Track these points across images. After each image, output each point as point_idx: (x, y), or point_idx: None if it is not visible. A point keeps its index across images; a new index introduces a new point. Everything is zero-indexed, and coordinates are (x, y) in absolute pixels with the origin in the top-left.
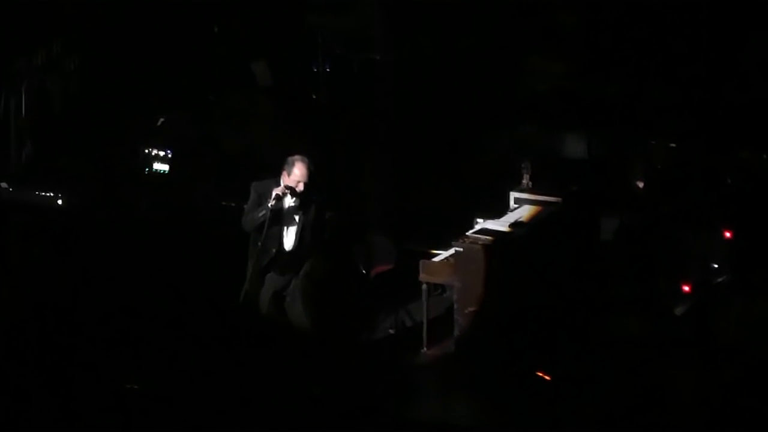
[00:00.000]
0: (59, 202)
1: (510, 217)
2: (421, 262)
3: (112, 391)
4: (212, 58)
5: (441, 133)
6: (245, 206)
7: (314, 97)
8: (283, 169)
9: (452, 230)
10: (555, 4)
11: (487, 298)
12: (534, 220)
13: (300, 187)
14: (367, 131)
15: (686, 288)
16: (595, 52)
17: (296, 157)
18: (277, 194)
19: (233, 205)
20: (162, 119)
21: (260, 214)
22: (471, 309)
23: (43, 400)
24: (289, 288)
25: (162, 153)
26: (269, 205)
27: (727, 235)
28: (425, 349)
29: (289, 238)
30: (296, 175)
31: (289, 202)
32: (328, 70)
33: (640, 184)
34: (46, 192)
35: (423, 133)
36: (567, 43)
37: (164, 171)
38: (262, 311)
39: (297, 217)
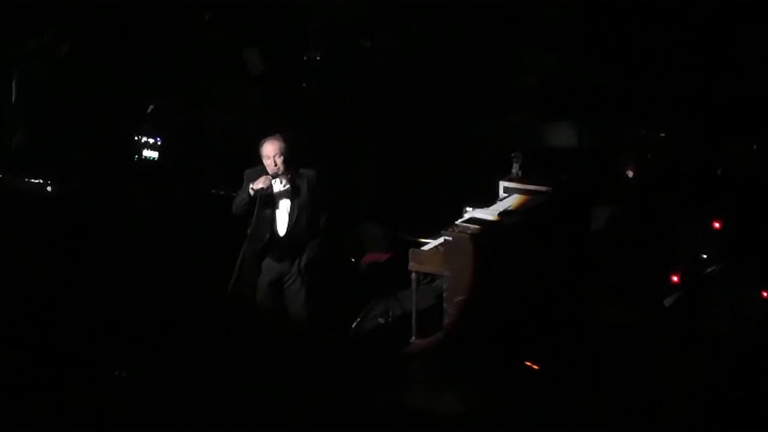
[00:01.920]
0: (49, 189)
1: (499, 206)
2: (411, 251)
3: (102, 378)
4: (203, 45)
5: (431, 122)
6: (236, 193)
7: (304, 85)
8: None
9: (442, 219)
10: None
11: (476, 287)
12: (523, 209)
13: (273, 165)
14: (359, 119)
15: (675, 278)
16: (586, 42)
17: (266, 137)
18: (261, 186)
19: (223, 192)
20: (152, 106)
21: (242, 198)
22: (460, 298)
23: (35, 389)
24: (289, 274)
25: (152, 140)
26: (250, 190)
27: (717, 225)
28: (414, 338)
29: (282, 223)
30: (268, 152)
31: (278, 187)
32: (319, 58)
33: (630, 174)
34: (36, 179)
35: (413, 121)
36: (558, 33)
37: (154, 158)
38: (258, 297)
39: (289, 201)
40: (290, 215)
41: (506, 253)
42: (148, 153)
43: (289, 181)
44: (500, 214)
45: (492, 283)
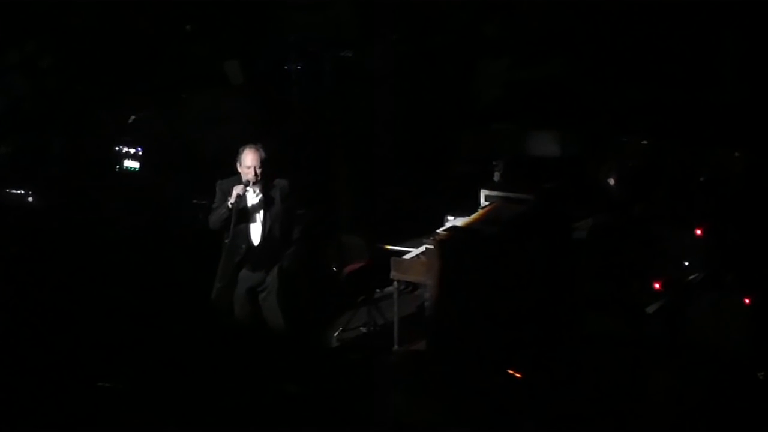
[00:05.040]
0: (30, 200)
1: (480, 215)
2: (392, 260)
3: (85, 389)
4: (184, 56)
5: (413, 131)
6: (212, 205)
7: (285, 95)
8: (237, 161)
9: (424, 228)
10: (529, 4)
11: (457, 296)
12: (504, 217)
13: (251, 174)
14: (339, 130)
15: (658, 286)
16: (568, 50)
17: (246, 145)
18: (237, 193)
19: (204, 202)
20: (133, 117)
21: (222, 212)
22: (442, 306)
23: (16, 399)
24: (264, 284)
25: (133, 150)
26: (229, 203)
27: (699, 232)
28: (396, 347)
29: (257, 233)
30: (246, 161)
31: (252, 197)
32: (299, 68)
33: (612, 182)
34: (17, 190)
35: (396, 131)
36: (541, 43)
37: (135, 168)
38: (236, 308)
39: (262, 212)
40: (264, 225)
41: (487, 261)
42: (129, 163)
43: (263, 191)
44: (482, 222)
45: (472, 292)
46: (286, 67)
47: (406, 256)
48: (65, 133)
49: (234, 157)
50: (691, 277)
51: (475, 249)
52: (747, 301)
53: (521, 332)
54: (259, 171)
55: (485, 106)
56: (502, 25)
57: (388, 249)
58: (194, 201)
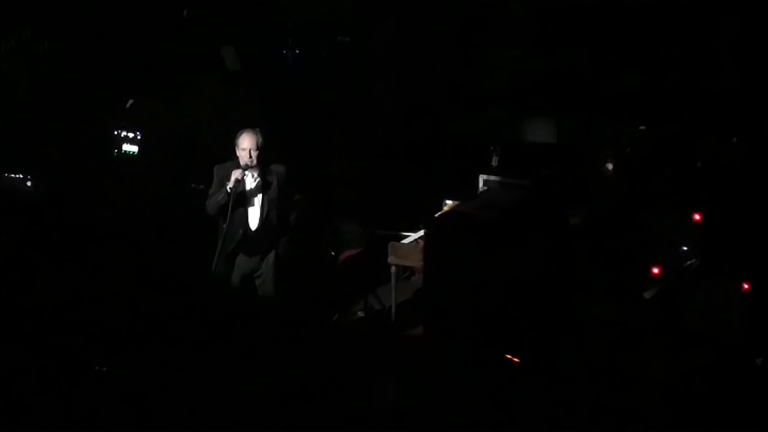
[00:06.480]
0: (28, 184)
1: (477, 200)
2: (390, 245)
3: (82, 374)
4: (182, 41)
5: (411, 115)
6: (209, 190)
7: (282, 81)
8: (234, 145)
9: (422, 213)
10: None
11: (454, 281)
12: (501, 202)
13: (247, 157)
14: (336, 115)
15: (655, 271)
16: (565, 36)
17: (244, 129)
18: (236, 178)
19: (202, 187)
20: (131, 101)
21: (220, 197)
22: (438, 291)
23: (13, 385)
24: (260, 270)
25: (132, 134)
26: (228, 188)
27: (697, 218)
28: (394, 332)
29: (254, 218)
30: (243, 144)
31: (250, 182)
32: (297, 53)
33: (610, 167)
34: (14, 174)
35: (392, 116)
36: (536, 28)
37: (133, 152)
38: (232, 294)
39: (260, 197)
40: (261, 210)
41: (482, 246)
42: (127, 147)
43: (260, 175)
44: (479, 207)
45: (468, 277)
46: (284, 52)
47: (404, 241)
48: (63, 117)
49: (231, 142)
50: (688, 263)
51: (470, 233)
52: (745, 286)
53: (518, 318)
54: (254, 154)
55: (483, 92)
56: (501, 12)
57: (399, 234)
58: (192, 185)
